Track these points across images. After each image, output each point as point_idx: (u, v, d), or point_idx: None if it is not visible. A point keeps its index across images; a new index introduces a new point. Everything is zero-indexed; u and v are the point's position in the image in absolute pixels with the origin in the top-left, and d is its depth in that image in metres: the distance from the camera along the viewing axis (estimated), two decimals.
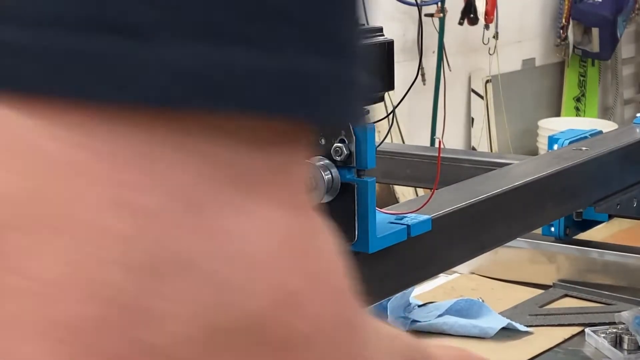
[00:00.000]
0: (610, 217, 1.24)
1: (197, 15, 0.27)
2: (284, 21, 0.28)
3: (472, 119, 3.51)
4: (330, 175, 0.72)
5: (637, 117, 1.34)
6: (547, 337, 1.17)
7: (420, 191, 2.42)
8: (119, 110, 0.27)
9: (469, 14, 3.26)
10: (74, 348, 0.26)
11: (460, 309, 1.20)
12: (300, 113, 0.29)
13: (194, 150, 0.28)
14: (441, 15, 3.12)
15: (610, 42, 3.83)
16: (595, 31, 3.77)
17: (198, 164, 0.28)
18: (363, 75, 0.30)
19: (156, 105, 0.27)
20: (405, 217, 0.84)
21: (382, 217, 0.82)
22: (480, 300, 1.23)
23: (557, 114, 4.01)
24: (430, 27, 3.10)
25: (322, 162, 0.72)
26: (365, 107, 0.31)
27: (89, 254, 0.26)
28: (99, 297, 0.26)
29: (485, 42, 3.36)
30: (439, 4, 3.10)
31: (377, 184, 0.77)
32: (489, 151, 3.48)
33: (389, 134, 1.55)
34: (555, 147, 1.24)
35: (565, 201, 1.14)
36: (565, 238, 1.30)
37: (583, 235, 1.32)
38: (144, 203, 0.27)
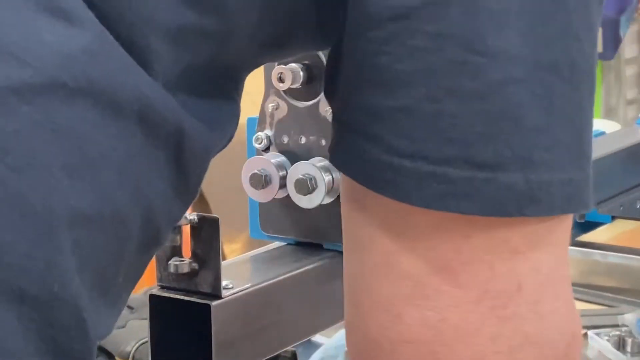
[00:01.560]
0: (614, 218, 1.23)
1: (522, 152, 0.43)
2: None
3: None
4: (330, 177, 0.71)
5: None
6: None
7: None
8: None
9: None
10: None
11: None
12: (576, 208, 0.45)
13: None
14: None
15: (613, 42, 3.82)
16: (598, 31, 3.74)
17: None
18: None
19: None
20: None
21: None
22: None
23: None
24: None
25: (322, 163, 0.71)
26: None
27: None
28: None
29: None
30: None
31: None
32: None
33: None
34: None
35: None
36: None
37: (586, 237, 1.31)
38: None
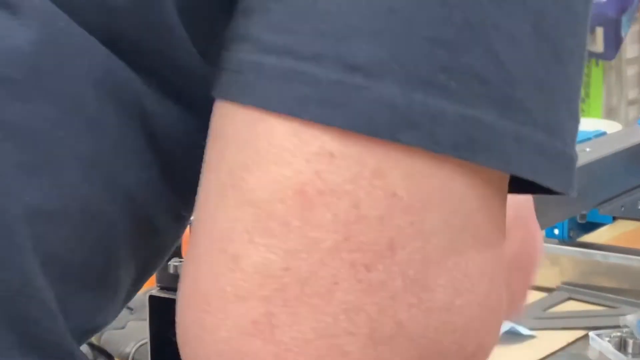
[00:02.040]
0: (615, 219, 1.23)
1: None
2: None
3: None
4: None
5: None
6: (551, 340, 1.16)
7: None
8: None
9: None
10: None
11: None
12: (480, 158, 0.34)
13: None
14: None
15: (614, 42, 3.82)
16: (599, 31, 3.76)
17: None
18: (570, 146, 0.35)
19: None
20: None
21: None
22: None
23: None
24: None
25: None
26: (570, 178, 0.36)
27: None
28: None
29: None
30: None
31: None
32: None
33: None
34: None
35: (568, 203, 1.12)
36: (569, 240, 1.29)
37: (587, 238, 1.31)
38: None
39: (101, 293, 0.40)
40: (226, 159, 0.34)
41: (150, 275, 0.45)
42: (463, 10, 0.33)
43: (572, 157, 0.36)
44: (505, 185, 0.36)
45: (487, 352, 0.38)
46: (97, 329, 0.41)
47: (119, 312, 0.43)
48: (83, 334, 0.40)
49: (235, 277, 0.34)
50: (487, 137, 0.33)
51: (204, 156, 0.36)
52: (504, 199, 0.36)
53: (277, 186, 0.33)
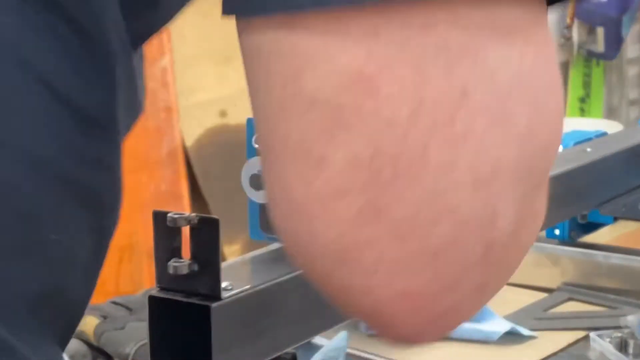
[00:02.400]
0: (616, 219, 1.23)
1: None
2: None
3: None
4: None
5: None
6: (552, 341, 1.16)
7: None
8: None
9: None
10: None
11: None
12: None
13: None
14: None
15: (615, 42, 3.81)
16: (600, 31, 3.75)
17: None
18: None
19: None
20: None
21: None
22: None
23: None
24: None
25: None
26: None
27: None
28: None
29: None
30: None
31: None
32: None
33: None
34: (560, 148, 1.23)
35: (569, 203, 1.12)
36: (570, 241, 1.28)
37: (588, 238, 1.31)
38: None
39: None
40: (274, 77, 0.34)
41: (107, 237, 0.44)
42: None
43: None
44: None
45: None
46: (60, 294, 0.40)
47: (90, 282, 0.42)
48: (43, 300, 0.39)
49: (327, 176, 0.33)
50: None
51: (249, 90, 0.35)
52: (545, 9, 0.36)
53: (335, 79, 0.32)
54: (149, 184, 2.01)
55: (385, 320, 0.35)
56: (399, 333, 0.35)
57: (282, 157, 0.34)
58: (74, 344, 1.06)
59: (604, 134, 1.29)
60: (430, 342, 0.36)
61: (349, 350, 1.11)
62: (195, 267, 0.65)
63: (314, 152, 0.33)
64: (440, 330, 0.36)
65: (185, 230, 0.66)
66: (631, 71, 4.16)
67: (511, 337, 1.16)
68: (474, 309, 0.37)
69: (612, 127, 2.79)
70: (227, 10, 0.34)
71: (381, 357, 1.14)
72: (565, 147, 1.22)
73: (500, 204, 0.34)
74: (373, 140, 0.32)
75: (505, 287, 1.44)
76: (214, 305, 0.64)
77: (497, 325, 1.16)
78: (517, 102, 0.34)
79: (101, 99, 0.41)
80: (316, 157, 0.33)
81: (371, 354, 1.15)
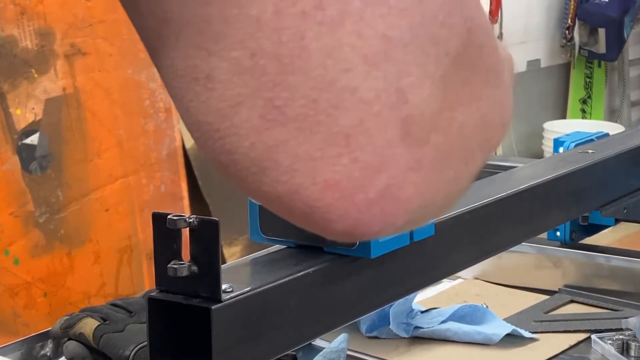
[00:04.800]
0: (617, 221, 1.22)
1: None
2: None
3: None
4: None
5: None
6: (553, 343, 1.15)
7: None
8: None
9: None
10: None
11: (464, 315, 1.18)
12: None
13: None
14: None
15: (617, 43, 3.80)
16: (601, 32, 3.75)
17: None
18: None
19: None
20: None
21: None
22: (485, 306, 1.21)
23: (563, 116, 3.99)
24: None
25: None
26: None
27: None
28: None
29: None
30: None
31: None
32: (493, 154, 3.45)
33: None
34: (561, 149, 1.23)
35: (571, 205, 1.12)
36: (571, 243, 1.28)
37: (589, 240, 1.30)
38: None
39: None
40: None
41: None
42: None
43: None
44: None
45: (486, 36, 0.36)
46: None
47: None
48: None
49: (219, 92, 0.33)
50: None
51: None
52: None
53: None
54: (148, 185, 2.01)
55: (322, 217, 0.34)
56: (339, 228, 0.34)
57: (176, 83, 0.34)
58: (73, 346, 1.06)
59: (606, 135, 1.28)
60: (378, 233, 0.35)
61: (349, 352, 1.11)
62: (195, 269, 0.65)
63: (199, 71, 0.33)
64: (381, 217, 0.34)
65: (185, 232, 0.65)
66: (632, 72, 4.15)
67: (512, 340, 1.16)
68: (424, 191, 0.35)
69: (613, 128, 2.78)
70: None
71: (381, 358, 1.14)
72: (566, 148, 1.22)
73: (405, 79, 0.33)
74: (248, 44, 0.32)
75: (506, 290, 1.45)
76: (214, 307, 0.64)
77: (498, 328, 1.16)
78: None
79: None
80: (203, 77, 0.33)
81: (371, 356, 1.14)
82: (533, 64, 3.82)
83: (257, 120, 0.33)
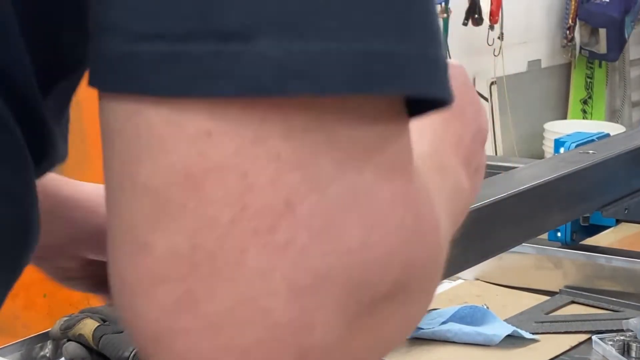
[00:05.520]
0: (618, 222, 1.22)
1: (285, 17, 0.33)
2: (361, 11, 0.34)
3: None
4: None
5: None
6: (554, 344, 1.15)
7: None
8: (245, 102, 0.33)
9: (473, 14, 3.23)
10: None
11: (465, 316, 1.18)
12: (389, 88, 0.34)
13: (313, 129, 0.34)
14: (445, 15, 3.10)
15: (617, 43, 3.80)
16: (602, 32, 3.74)
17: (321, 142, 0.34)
18: (441, 53, 0.36)
19: (267, 94, 0.33)
20: None
21: None
22: (485, 307, 1.21)
23: (564, 116, 3.99)
24: None
25: None
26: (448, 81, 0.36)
27: None
28: None
29: (490, 43, 3.34)
30: (443, 4, 3.08)
31: None
32: (494, 154, 3.46)
33: None
34: (562, 150, 1.22)
35: (571, 206, 1.12)
36: (572, 243, 1.28)
37: (590, 241, 1.30)
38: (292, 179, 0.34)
39: None
40: (117, 155, 0.35)
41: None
42: None
43: (436, 59, 0.36)
44: (399, 108, 0.36)
45: (424, 268, 0.38)
46: None
47: None
48: None
49: (148, 262, 0.35)
50: (380, 66, 0.34)
51: (103, 156, 0.37)
52: (403, 124, 0.36)
53: (167, 172, 0.34)
54: None
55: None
56: None
57: (116, 237, 0.36)
58: (72, 347, 1.05)
59: (606, 135, 1.28)
60: None
61: None
62: None
63: (140, 237, 0.35)
64: None
65: None
66: (633, 73, 4.15)
67: (513, 341, 1.15)
68: None
69: (614, 129, 2.78)
70: (90, 81, 0.36)
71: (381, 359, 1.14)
72: (567, 149, 1.22)
73: (320, 313, 0.35)
74: (194, 236, 0.34)
75: (507, 291, 1.45)
76: None
77: (499, 329, 1.16)
78: (349, 217, 0.35)
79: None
80: (141, 242, 0.35)
81: None
82: (534, 64, 3.82)
83: (171, 302, 0.34)
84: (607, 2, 3.63)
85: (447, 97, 0.35)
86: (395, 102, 0.36)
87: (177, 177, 0.34)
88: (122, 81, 0.34)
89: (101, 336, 1.04)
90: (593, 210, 1.20)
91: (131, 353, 1.01)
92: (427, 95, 0.35)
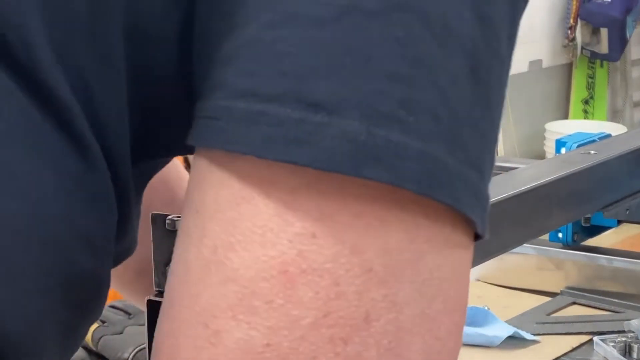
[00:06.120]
0: (620, 222, 1.22)
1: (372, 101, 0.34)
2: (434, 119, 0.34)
3: None
4: None
5: None
6: (555, 345, 1.15)
7: None
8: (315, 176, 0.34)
9: None
10: None
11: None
12: (440, 195, 0.34)
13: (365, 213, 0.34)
14: None
15: (619, 43, 3.80)
16: (604, 32, 3.74)
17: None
18: (487, 189, 0.37)
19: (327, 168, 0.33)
20: None
21: None
22: (486, 308, 1.20)
23: (565, 116, 3.99)
24: None
25: None
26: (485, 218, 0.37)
27: None
28: None
29: None
30: None
31: None
32: (495, 155, 3.44)
33: None
34: (563, 150, 1.22)
35: (573, 206, 1.11)
36: (573, 244, 1.28)
37: (591, 242, 1.30)
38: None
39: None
40: (209, 236, 0.35)
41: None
42: (414, 47, 0.34)
43: (489, 200, 0.38)
44: (470, 244, 0.38)
45: None
46: None
47: None
48: None
49: (217, 351, 0.34)
50: (443, 174, 0.35)
51: (182, 220, 0.37)
52: (469, 260, 0.38)
53: (261, 266, 0.34)
54: None
55: None
56: None
57: (182, 318, 0.35)
58: None
59: (608, 136, 1.28)
60: None
61: None
62: None
63: (214, 324, 0.35)
64: None
65: None
66: (635, 73, 4.15)
67: (514, 342, 1.15)
68: None
69: (616, 129, 2.77)
70: (191, 140, 0.36)
71: None
72: (568, 149, 1.21)
73: None
74: (272, 333, 0.34)
75: (508, 292, 1.44)
76: None
77: (500, 330, 1.16)
78: (414, 341, 0.36)
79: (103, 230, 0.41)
80: (214, 329, 0.34)
81: None
82: (535, 64, 3.82)
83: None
84: (608, 2, 3.62)
85: (484, 233, 0.37)
86: (469, 239, 0.37)
87: (272, 272, 0.34)
88: (214, 136, 0.35)
89: (100, 337, 1.04)
90: (594, 211, 1.20)
91: (130, 354, 1.01)
92: (476, 229, 0.36)
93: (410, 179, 0.34)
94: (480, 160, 0.36)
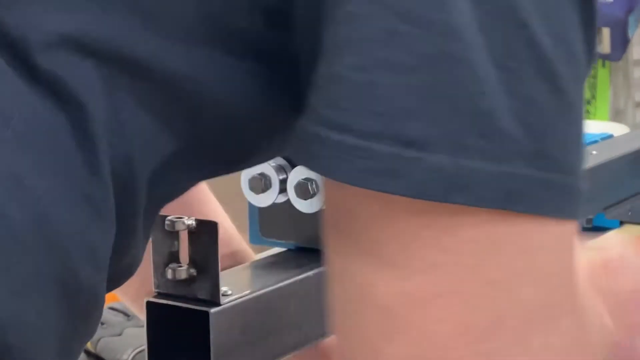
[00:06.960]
0: (622, 223, 1.22)
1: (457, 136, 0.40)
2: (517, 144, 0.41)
3: None
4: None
5: None
6: None
7: None
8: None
9: None
10: None
11: None
12: (520, 207, 0.40)
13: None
14: None
15: (621, 43, 3.80)
16: (605, 31, 3.74)
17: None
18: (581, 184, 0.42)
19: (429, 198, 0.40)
20: None
21: None
22: None
23: None
24: None
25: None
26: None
27: None
28: None
29: None
30: None
31: None
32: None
33: None
34: None
35: None
36: None
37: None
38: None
39: None
40: (354, 271, 0.45)
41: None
42: (492, 83, 0.40)
43: (581, 190, 0.43)
44: (567, 225, 0.43)
45: None
46: None
47: None
48: None
49: None
50: (521, 187, 0.40)
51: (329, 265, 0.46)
52: (569, 239, 0.44)
53: (400, 294, 0.42)
54: None
55: None
56: None
57: (352, 344, 0.43)
58: None
59: (610, 136, 1.28)
60: None
61: None
62: (194, 272, 0.65)
63: (374, 344, 0.42)
64: None
65: (184, 235, 0.65)
66: (637, 73, 4.15)
67: None
68: None
69: (618, 129, 2.78)
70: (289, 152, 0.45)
71: None
72: None
73: None
74: (419, 347, 0.41)
75: None
76: (213, 310, 0.64)
77: None
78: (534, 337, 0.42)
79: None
80: (375, 349, 0.42)
81: None
82: None
83: None
84: (610, 1, 3.62)
85: (578, 217, 0.43)
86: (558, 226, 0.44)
87: (409, 297, 0.41)
88: (313, 160, 0.40)
89: (99, 339, 1.04)
90: (596, 212, 1.20)
91: (129, 356, 1.01)
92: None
93: (488, 198, 0.40)
94: (566, 160, 0.41)
